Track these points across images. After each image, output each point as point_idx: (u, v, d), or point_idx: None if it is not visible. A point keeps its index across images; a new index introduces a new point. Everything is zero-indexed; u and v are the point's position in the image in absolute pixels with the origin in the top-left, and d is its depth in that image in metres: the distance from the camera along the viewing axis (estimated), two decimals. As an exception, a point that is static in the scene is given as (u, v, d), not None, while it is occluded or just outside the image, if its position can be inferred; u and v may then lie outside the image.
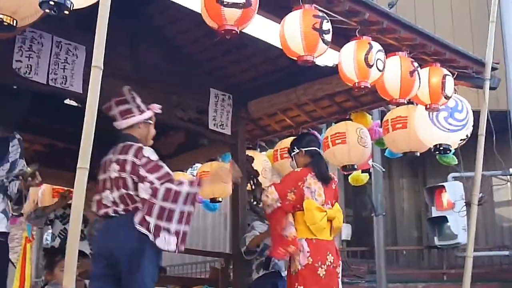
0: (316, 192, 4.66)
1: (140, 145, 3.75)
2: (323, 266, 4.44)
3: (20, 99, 3.70)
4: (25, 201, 3.95)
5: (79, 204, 2.49)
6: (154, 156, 3.71)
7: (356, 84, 4.00)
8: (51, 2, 2.72)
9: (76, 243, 2.46)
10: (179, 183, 3.66)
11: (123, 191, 3.67)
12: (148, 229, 3.57)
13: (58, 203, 5.86)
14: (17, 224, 3.83)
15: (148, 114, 3.94)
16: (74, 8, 2.81)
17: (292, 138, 5.55)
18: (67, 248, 2.45)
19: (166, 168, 3.70)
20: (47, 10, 2.77)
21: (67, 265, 2.43)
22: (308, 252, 4.45)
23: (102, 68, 2.58)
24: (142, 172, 3.62)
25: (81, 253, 5.77)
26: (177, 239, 3.62)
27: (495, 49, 9.07)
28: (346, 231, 11.55)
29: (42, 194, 7.38)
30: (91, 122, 2.53)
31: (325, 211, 4.58)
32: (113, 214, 3.71)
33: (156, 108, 4.00)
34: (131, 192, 3.65)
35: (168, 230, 3.59)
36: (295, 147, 4.89)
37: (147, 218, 3.57)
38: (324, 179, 4.74)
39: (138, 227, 3.57)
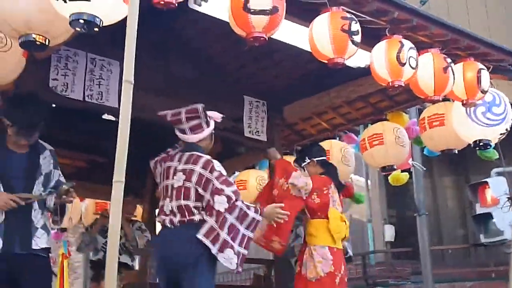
0: (337, 201, 4.87)
1: (209, 158, 3.84)
2: (339, 274, 4.62)
3: (41, 109, 3.75)
4: (65, 214, 4.00)
5: (116, 217, 2.52)
6: (224, 171, 3.81)
7: (390, 83, 3.98)
8: (81, 21, 2.77)
9: (115, 255, 2.49)
10: (247, 206, 3.76)
11: (183, 202, 3.75)
12: (215, 241, 3.62)
13: (100, 223, 5.94)
14: (61, 240, 3.88)
15: (212, 125, 4.03)
16: (103, 25, 2.85)
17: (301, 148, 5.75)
18: (107, 260, 2.48)
19: (235, 185, 3.86)
20: (77, 29, 2.82)
21: (107, 277, 2.47)
22: (331, 260, 4.61)
23: (133, 82, 2.61)
24: (217, 185, 3.70)
25: (124, 265, 5.88)
26: (238, 259, 3.67)
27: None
28: (390, 232, 11.45)
29: (86, 209, 7.53)
30: (125, 136, 2.56)
31: (345, 221, 4.82)
32: (169, 225, 3.78)
33: (218, 117, 4.09)
34: (191, 204, 3.72)
35: (232, 248, 3.64)
36: (306, 157, 4.98)
37: (218, 231, 3.62)
38: (340, 189, 4.98)
39: (202, 238, 3.62)
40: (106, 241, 5.83)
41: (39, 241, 3.66)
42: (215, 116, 4.08)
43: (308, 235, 4.78)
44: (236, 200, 3.68)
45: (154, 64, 5.15)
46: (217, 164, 3.80)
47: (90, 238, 5.94)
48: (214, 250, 3.60)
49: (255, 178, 6.80)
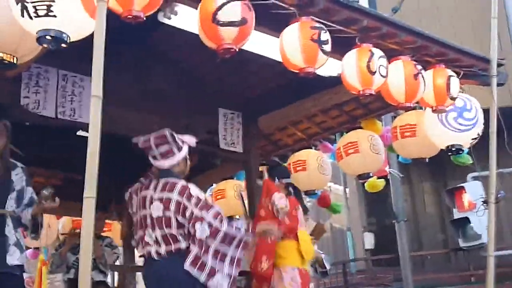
0: (303, 223, 4.95)
1: (185, 183, 3.75)
2: None
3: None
4: (41, 228, 3.95)
5: (88, 233, 2.50)
6: (201, 194, 3.73)
7: (361, 92, 4.00)
8: (48, 37, 2.75)
9: (88, 273, 2.47)
10: (233, 226, 3.69)
11: (166, 230, 3.66)
12: (201, 269, 3.56)
13: (69, 242, 5.88)
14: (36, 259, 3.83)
15: (185, 150, 3.93)
16: (71, 40, 2.84)
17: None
18: (79, 278, 2.45)
19: (216, 206, 3.75)
20: (45, 45, 2.81)
21: (81, 294, 2.44)
22: (300, 283, 4.65)
23: (101, 97, 2.60)
24: (196, 212, 3.61)
25: (100, 283, 5.83)
26: (229, 282, 3.62)
27: (504, 44, 9.07)
28: (370, 240, 11.49)
29: (63, 226, 7.45)
30: (95, 152, 2.55)
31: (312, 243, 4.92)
32: (156, 257, 3.71)
33: (192, 142, 4.00)
34: (174, 232, 3.65)
35: (221, 272, 3.59)
36: (276, 178, 5.00)
37: (203, 259, 3.57)
38: (305, 212, 5.10)
39: (188, 268, 3.56)
40: (76, 258, 5.81)
41: (11, 258, 3.60)
42: (189, 140, 3.99)
43: (277, 257, 4.75)
44: (219, 223, 3.61)
45: (130, 79, 5.14)
46: (193, 189, 3.72)
47: (61, 258, 5.88)
48: (202, 279, 3.55)
49: (232, 188, 6.80)
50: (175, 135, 3.91)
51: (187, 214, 3.62)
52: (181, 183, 3.75)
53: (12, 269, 3.60)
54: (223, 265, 3.60)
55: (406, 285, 10.07)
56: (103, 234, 6.62)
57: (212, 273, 3.55)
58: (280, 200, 4.73)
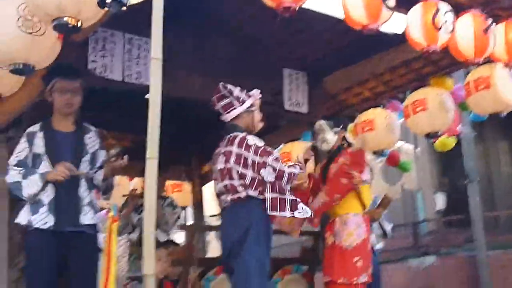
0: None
1: (243, 135, 3.91)
2: (369, 241, 4.76)
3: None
4: (112, 189, 4.09)
5: (151, 193, 2.56)
6: (259, 142, 3.88)
7: (425, 48, 3.89)
8: (108, 0, 2.79)
9: (152, 232, 2.53)
10: (293, 166, 3.93)
11: (228, 181, 3.87)
12: (283, 208, 3.77)
13: (131, 203, 6.00)
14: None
15: (248, 102, 4.04)
16: (130, 3, 2.87)
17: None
18: (144, 237, 2.52)
19: (274, 151, 3.91)
20: (105, 9, 2.85)
21: (146, 253, 2.51)
22: (365, 227, 4.66)
23: (161, 59, 2.63)
24: (258, 159, 3.80)
25: (171, 242, 5.96)
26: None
27: None
28: (441, 201, 11.30)
29: (135, 187, 7.65)
30: (156, 113, 2.59)
31: None
32: (224, 205, 3.97)
33: (257, 95, 4.11)
34: (235, 183, 3.84)
35: (298, 202, 3.80)
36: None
37: (280, 197, 3.78)
38: None
39: (273, 213, 3.79)
40: (139, 218, 5.94)
41: (85, 218, 3.75)
42: (254, 94, 4.10)
43: (337, 206, 4.75)
44: (281, 165, 3.82)
45: (193, 43, 5.19)
46: (250, 139, 3.87)
47: (125, 219, 6.03)
48: (288, 214, 3.77)
49: (299, 150, 6.77)
50: (234, 88, 4.04)
51: (249, 163, 3.81)
52: (240, 135, 3.91)
53: (86, 228, 3.76)
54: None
55: (479, 246, 9.89)
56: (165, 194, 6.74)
57: (294, 205, 3.77)
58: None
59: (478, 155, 11.72)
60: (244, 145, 3.84)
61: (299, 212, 3.75)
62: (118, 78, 4.69)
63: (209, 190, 8.17)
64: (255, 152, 3.81)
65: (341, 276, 4.51)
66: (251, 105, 4.06)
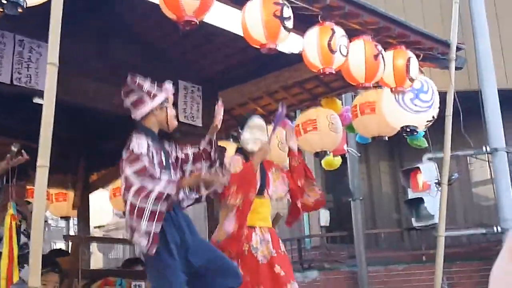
0: None
1: (133, 136, 3.54)
2: None
3: None
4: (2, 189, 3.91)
5: (41, 203, 2.47)
6: (137, 149, 3.48)
7: (321, 70, 4.01)
8: (4, 1, 2.68)
9: (40, 243, 2.44)
10: (156, 180, 3.41)
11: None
12: (129, 229, 3.40)
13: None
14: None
15: (160, 98, 3.65)
16: (27, 5, 2.78)
17: None
18: (31, 249, 2.43)
19: (145, 162, 3.43)
20: (0, 9, 2.74)
21: (33, 266, 2.41)
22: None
23: (57, 65, 2.55)
24: (124, 165, 3.43)
25: (63, 252, 5.75)
26: (148, 239, 3.35)
27: (466, 29, 9.17)
28: (325, 217, 11.60)
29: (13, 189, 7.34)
30: (49, 120, 2.51)
31: None
32: None
33: (170, 88, 3.74)
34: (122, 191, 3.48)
35: (138, 230, 3.35)
36: None
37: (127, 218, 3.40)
38: None
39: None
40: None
41: None
42: (166, 87, 3.71)
43: None
44: (136, 178, 3.39)
45: (93, 49, 5.08)
46: (133, 143, 3.51)
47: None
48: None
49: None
50: (144, 81, 3.67)
51: (122, 169, 3.46)
52: (131, 137, 3.54)
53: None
54: (140, 221, 3.33)
55: (360, 262, 10.24)
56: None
57: (132, 231, 3.36)
58: None
59: (362, 175, 12.18)
60: (126, 149, 3.50)
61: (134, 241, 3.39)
62: (7, 80, 4.49)
63: (95, 200, 7.98)
64: (126, 159, 3.44)
65: None
66: (164, 100, 3.67)
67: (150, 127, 3.68)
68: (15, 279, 3.18)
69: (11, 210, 3.42)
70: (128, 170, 3.40)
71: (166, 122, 3.72)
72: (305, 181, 4.55)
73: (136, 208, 3.33)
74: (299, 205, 4.52)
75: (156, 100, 3.65)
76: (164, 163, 3.63)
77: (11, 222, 3.36)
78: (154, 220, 3.34)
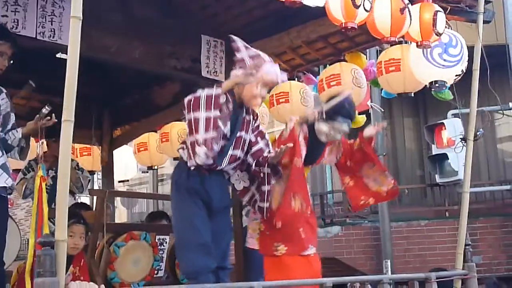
0: None
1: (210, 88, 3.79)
2: None
3: None
4: (28, 149, 3.95)
5: (66, 158, 2.49)
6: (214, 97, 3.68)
7: (343, 24, 3.95)
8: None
9: (66, 197, 2.47)
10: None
11: None
12: None
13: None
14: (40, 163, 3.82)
15: (247, 72, 3.77)
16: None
17: None
18: (57, 202, 2.45)
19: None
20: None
21: (59, 219, 2.44)
22: None
23: (81, 18, 2.53)
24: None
25: (85, 206, 5.84)
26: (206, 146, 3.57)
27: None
28: (349, 173, 11.59)
29: (41, 149, 7.41)
30: (73, 75, 2.50)
31: None
32: None
33: (265, 66, 3.82)
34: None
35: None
36: None
37: None
38: None
39: None
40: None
41: None
42: (264, 68, 3.79)
43: None
44: None
45: (113, 3, 5.04)
46: (209, 90, 3.74)
47: (33, 183, 5.85)
48: None
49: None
50: (244, 47, 3.91)
51: None
52: None
53: (-2, 190, 3.61)
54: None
55: (382, 217, 10.27)
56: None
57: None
58: None
59: (385, 131, 12.12)
60: None
61: None
62: (31, 34, 4.49)
63: (119, 155, 8.05)
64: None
65: None
66: (250, 75, 3.72)
67: (233, 90, 3.77)
68: None
69: (40, 172, 3.46)
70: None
71: (243, 97, 3.78)
72: (373, 168, 4.62)
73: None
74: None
75: (246, 71, 3.72)
76: (225, 131, 3.68)
77: (40, 184, 3.40)
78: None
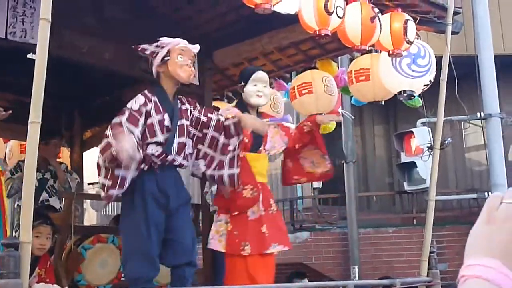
0: None
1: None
2: None
3: None
4: None
5: (32, 159, 2.48)
6: (129, 104, 3.69)
7: (317, 32, 3.99)
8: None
9: (31, 198, 2.46)
10: (116, 134, 3.51)
11: None
12: None
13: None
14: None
15: (162, 53, 3.81)
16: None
17: None
18: (22, 204, 2.44)
19: (123, 117, 3.60)
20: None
21: (23, 221, 2.43)
22: None
23: (50, 20, 2.53)
24: None
25: (52, 208, 5.80)
26: (103, 190, 3.64)
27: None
28: (318, 179, 11.64)
29: (10, 150, 7.34)
30: (41, 75, 2.50)
31: None
32: None
33: (173, 41, 3.87)
34: None
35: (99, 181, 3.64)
36: None
37: None
38: None
39: None
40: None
41: None
42: (166, 42, 3.90)
43: None
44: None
45: (86, 4, 5.02)
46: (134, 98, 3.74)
47: (20, 183, 5.80)
48: None
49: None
50: (148, 45, 3.91)
51: None
52: None
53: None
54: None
55: (351, 223, 10.35)
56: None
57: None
58: None
59: (356, 138, 12.21)
60: None
61: None
62: (1, 35, 4.45)
63: (89, 157, 7.99)
64: None
65: None
66: (165, 54, 3.79)
67: (163, 85, 3.85)
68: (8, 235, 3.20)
69: None
70: (112, 121, 3.57)
71: (174, 76, 3.81)
72: (313, 151, 4.71)
73: (97, 162, 3.58)
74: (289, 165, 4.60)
75: (157, 57, 3.78)
76: (166, 123, 3.67)
77: (0, 179, 3.36)
78: (108, 177, 3.55)
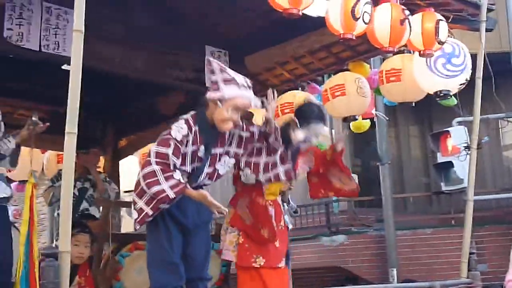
0: None
1: (183, 117, 3.62)
2: None
3: None
4: (18, 157, 3.94)
5: (70, 169, 2.51)
6: (173, 132, 3.51)
7: (342, 35, 3.99)
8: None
9: (69, 208, 2.49)
10: (167, 176, 3.42)
11: None
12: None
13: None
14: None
15: (220, 94, 3.55)
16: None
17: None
18: (60, 213, 2.48)
19: (170, 149, 3.46)
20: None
21: (62, 229, 2.47)
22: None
23: (83, 31, 2.57)
24: (157, 141, 3.56)
25: (92, 217, 5.88)
26: (138, 216, 3.54)
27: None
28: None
29: (47, 160, 7.45)
30: (76, 86, 2.53)
31: None
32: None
33: (229, 89, 3.60)
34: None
35: (135, 203, 3.54)
36: None
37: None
38: None
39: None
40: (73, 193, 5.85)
41: None
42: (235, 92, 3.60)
43: None
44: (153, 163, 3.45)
45: (115, 14, 5.08)
46: (177, 123, 3.59)
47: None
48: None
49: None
50: (220, 68, 3.67)
51: None
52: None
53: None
54: (140, 199, 3.52)
55: (387, 226, 10.26)
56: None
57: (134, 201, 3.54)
58: None
59: (390, 139, 12.12)
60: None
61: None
62: (35, 47, 4.53)
63: (125, 165, 8.07)
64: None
65: None
66: (222, 99, 3.54)
67: (207, 113, 3.65)
68: (35, 247, 3.21)
69: (32, 179, 3.42)
70: (154, 148, 3.47)
71: (212, 119, 3.63)
72: (340, 174, 4.71)
73: (140, 187, 3.46)
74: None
75: (213, 92, 3.59)
76: (200, 154, 3.64)
77: (32, 190, 3.37)
78: (150, 205, 3.48)
